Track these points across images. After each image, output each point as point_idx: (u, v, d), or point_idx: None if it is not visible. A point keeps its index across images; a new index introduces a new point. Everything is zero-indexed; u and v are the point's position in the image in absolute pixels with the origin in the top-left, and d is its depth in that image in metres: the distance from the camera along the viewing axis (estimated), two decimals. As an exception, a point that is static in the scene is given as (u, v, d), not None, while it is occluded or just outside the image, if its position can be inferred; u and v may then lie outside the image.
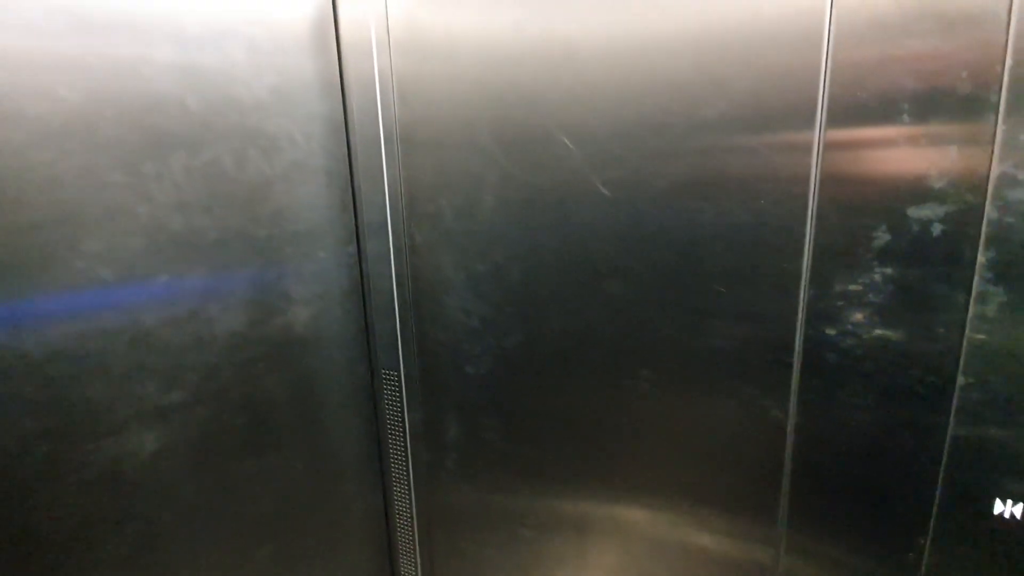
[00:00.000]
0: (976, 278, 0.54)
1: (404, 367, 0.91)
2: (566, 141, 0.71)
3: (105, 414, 0.62)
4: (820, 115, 0.57)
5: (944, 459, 0.59)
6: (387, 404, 0.94)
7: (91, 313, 0.60)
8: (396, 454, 0.95)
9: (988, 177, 0.52)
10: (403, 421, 0.93)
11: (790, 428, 0.66)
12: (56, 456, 0.58)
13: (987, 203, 0.52)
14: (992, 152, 0.52)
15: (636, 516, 0.80)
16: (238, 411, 0.75)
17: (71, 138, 0.58)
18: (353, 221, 0.87)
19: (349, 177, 0.87)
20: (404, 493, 0.97)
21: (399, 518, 0.98)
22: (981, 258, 0.54)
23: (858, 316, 0.60)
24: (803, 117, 0.58)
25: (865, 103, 0.55)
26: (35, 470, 0.57)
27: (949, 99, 0.52)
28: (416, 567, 1.00)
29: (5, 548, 0.56)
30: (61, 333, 0.58)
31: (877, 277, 0.58)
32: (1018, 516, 0.58)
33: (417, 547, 0.99)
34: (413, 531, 0.98)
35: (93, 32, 0.59)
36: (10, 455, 0.55)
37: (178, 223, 0.67)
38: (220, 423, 0.73)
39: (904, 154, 0.55)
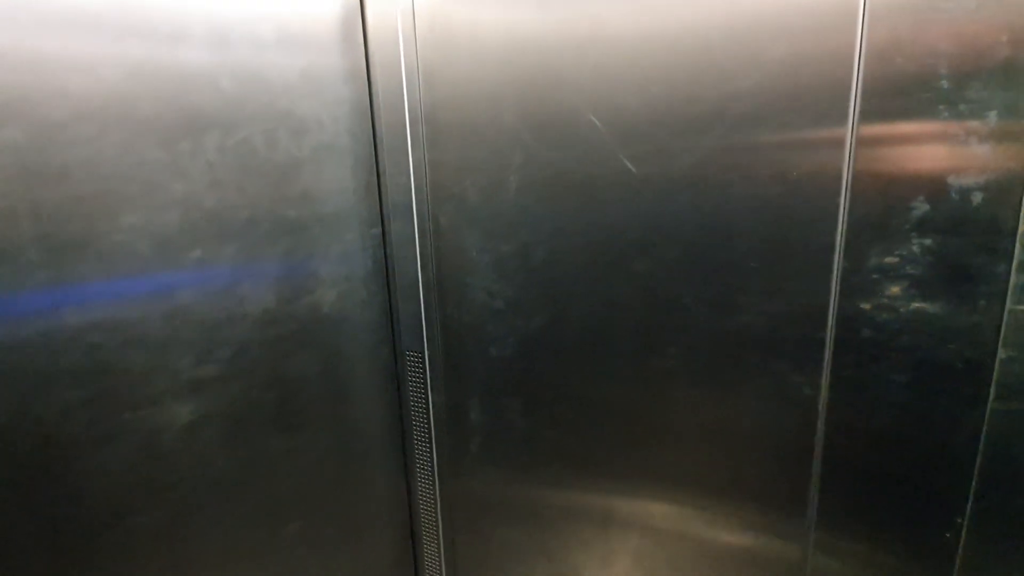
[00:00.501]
0: (1017, 247, 0.53)
1: (428, 349, 0.92)
2: (593, 119, 0.71)
3: (143, 385, 0.63)
4: (855, 84, 0.56)
5: (983, 435, 0.57)
6: (411, 385, 0.94)
7: (129, 286, 0.62)
8: (419, 435, 0.96)
9: (1031, 143, 0.51)
10: (426, 402, 0.94)
11: (822, 405, 0.65)
12: (96, 424, 0.60)
13: (1030, 170, 0.51)
14: (1035, 117, 0.50)
15: (661, 500, 0.80)
16: (267, 387, 0.76)
17: (111, 115, 0.59)
18: (378, 203, 0.88)
19: (374, 160, 0.87)
20: (427, 475, 0.97)
21: (422, 499, 0.99)
22: (1022, 227, 0.52)
23: (894, 289, 0.59)
24: (838, 86, 0.57)
25: (902, 70, 0.54)
26: (77, 437, 0.59)
27: (988, 64, 0.51)
28: (439, 549, 1.00)
29: (48, 512, 0.58)
30: (101, 304, 0.60)
31: (915, 248, 0.57)
32: (1061, 494, 0.56)
33: (440, 529, 0.99)
34: (436, 513, 0.98)
35: (133, 11, 0.60)
36: (54, 422, 0.57)
37: (211, 201, 0.68)
38: (251, 398, 0.74)
39: (942, 122, 0.54)
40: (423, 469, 0.98)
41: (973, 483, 0.59)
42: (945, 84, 0.53)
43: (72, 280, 0.57)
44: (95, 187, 0.58)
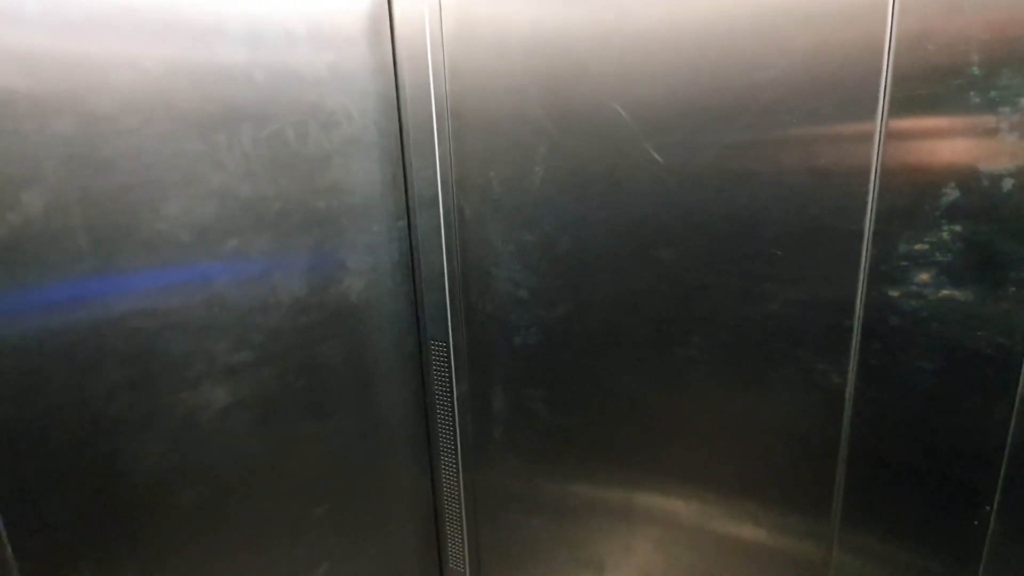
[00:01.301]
0: (1051, 233, 0.53)
1: (452, 338, 0.93)
2: (618, 108, 0.72)
3: (182, 368, 0.65)
4: (885, 70, 0.56)
5: (1012, 423, 0.57)
6: (435, 374, 0.96)
7: (169, 273, 0.64)
8: (444, 424, 0.98)
9: (1065, 128, 0.51)
10: (451, 391, 0.95)
11: (849, 393, 0.65)
12: (139, 405, 0.62)
13: (1064, 155, 0.51)
14: (1070, 102, 0.50)
15: (684, 490, 0.80)
16: (298, 374, 0.78)
17: (153, 107, 0.61)
18: (404, 195, 0.90)
19: (401, 153, 0.89)
20: (451, 462, 0.99)
21: (446, 486, 1.01)
22: (1056, 213, 0.52)
23: (923, 276, 0.59)
24: (867, 73, 0.57)
25: (933, 56, 0.54)
26: (121, 417, 0.61)
27: (1020, 51, 0.51)
28: (462, 535, 1.02)
29: (96, 487, 0.60)
30: (143, 290, 0.62)
31: (945, 235, 0.57)
32: (1093, 483, 0.56)
33: (463, 515, 1.01)
34: (459, 500, 1.00)
35: (173, 9, 0.62)
36: (101, 402, 0.59)
37: (247, 191, 0.70)
38: (283, 384, 0.76)
39: (973, 109, 0.54)
40: (447, 456, 0.99)
41: (1003, 470, 0.59)
42: (976, 71, 0.53)
43: (118, 266, 0.59)
44: (139, 177, 0.60)
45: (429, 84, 0.84)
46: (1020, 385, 0.57)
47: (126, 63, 0.59)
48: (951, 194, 0.56)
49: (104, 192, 0.58)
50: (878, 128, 0.58)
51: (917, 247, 0.58)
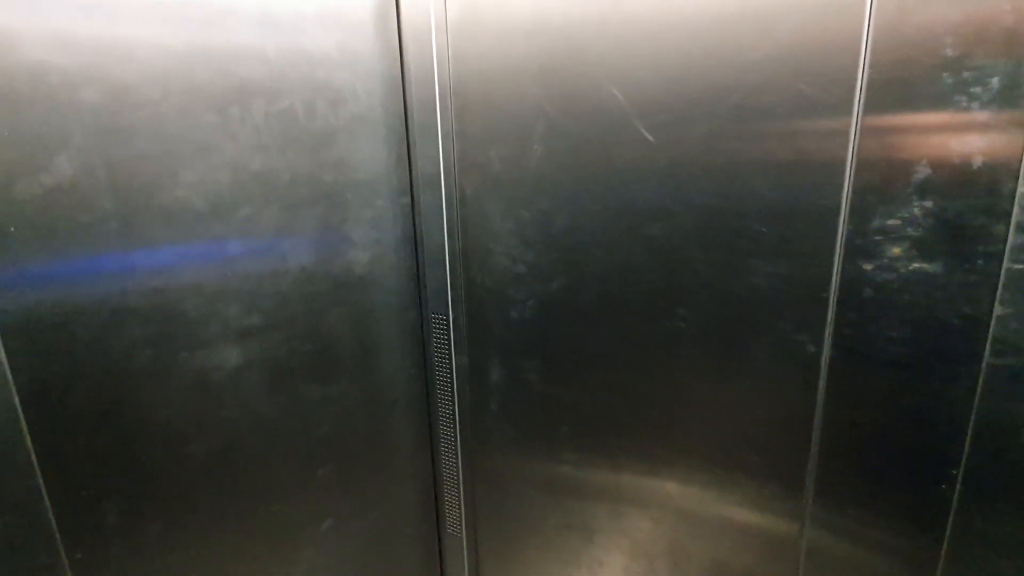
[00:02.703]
0: (1015, 208, 0.55)
1: (452, 312, 0.97)
2: (613, 90, 0.75)
3: (199, 328, 0.70)
4: (864, 52, 0.59)
5: (979, 389, 0.61)
6: (436, 347, 1.00)
7: (187, 236, 0.68)
8: (443, 394, 1.02)
9: (1031, 108, 0.53)
10: (450, 363, 1.00)
11: (824, 363, 0.68)
12: (158, 360, 0.67)
13: (1029, 133, 0.54)
14: (1036, 83, 0.53)
15: (671, 456, 0.84)
16: (305, 339, 0.82)
17: (172, 80, 0.65)
18: (408, 173, 0.94)
19: (405, 131, 0.93)
20: (450, 432, 1.03)
21: (444, 454, 1.05)
22: (1021, 188, 0.55)
23: (895, 250, 0.62)
24: (846, 54, 0.60)
25: (909, 38, 0.57)
26: (141, 371, 0.66)
27: (993, 30, 0.54)
28: (459, 503, 1.06)
29: (113, 435, 0.65)
30: (162, 252, 0.66)
31: (916, 211, 0.60)
32: (1054, 448, 0.59)
33: (461, 484, 1.05)
34: (457, 467, 1.04)
35: (191, -13, 0.66)
36: (123, 354, 0.64)
37: (258, 163, 0.74)
38: (290, 348, 0.81)
39: (946, 88, 0.57)
40: (446, 426, 1.04)
41: (968, 435, 0.62)
42: (950, 51, 0.56)
43: (139, 228, 0.64)
44: (159, 147, 0.65)
45: (433, 65, 0.87)
46: (985, 354, 0.60)
47: (146, 39, 0.63)
48: (923, 171, 0.59)
49: (126, 159, 0.62)
50: (856, 108, 0.61)
51: (890, 222, 0.61)
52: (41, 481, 0.59)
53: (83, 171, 0.59)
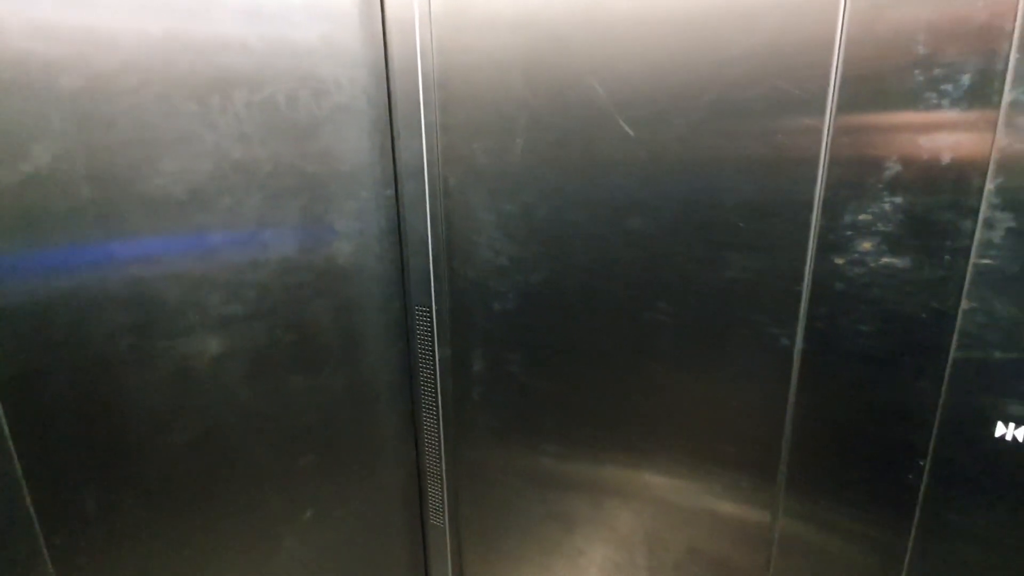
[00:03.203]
0: (983, 204, 0.56)
1: (436, 304, 0.98)
2: (595, 85, 0.75)
3: (178, 316, 0.70)
4: (838, 50, 0.60)
5: (945, 382, 0.62)
6: (419, 338, 1.01)
7: (167, 225, 0.68)
8: (426, 385, 1.03)
9: (999, 105, 0.54)
10: (433, 354, 1.00)
11: (796, 355, 0.69)
12: (138, 348, 0.67)
13: (997, 130, 0.55)
14: (1004, 80, 0.54)
15: (650, 446, 0.85)
16: (287, 329, 0.83)
17: (153, 68, 0.65)
18: (392, 165, 0.94)
19: (389, 123, 0.93)
20: (433, 422, 1.04)
21: (428, 445, 1.06)
22: (989, 185, 0.56)
23: (866, 245, 0.63)
24: (820, 51, 0.61)
25: (882, 36, 0.58)
26: (121, 358, 0.66)
27: (964, 28, 0.55)
28: (443, 494, 1.07)
29: (92, 423, 0.65)
30: (143, 241, 0.66)
31: (887, 206, 0.61)
32: (1019, 439, 0.60)
33: (444, 474, 1.06)
34: (439, 456, 1.05)
35: (171, -26, 0.66)
36: (102, 342, 0.64)
37: (239, 152, 0.74)
38: (272, 338, 0.81)
39: (917, 85, 0.57)
40: (429, 416, 1.04)
41: (935, 427, 0.63)
42: (922, 49, 0.57)
43: (118, 216, 0.64)
44: (138, 134, 0.65)
45: (417, 57, 0.87)
46: (952, 347, 0.61)
47: (128, 27, 0.63)
48: (894, 167, 0.60)
49: (106, 146, 0.62)
50: (829, 104, 0.61)
51: (861, 217, 0.62)
52: (19, 468, 0.60)
53: (62, 159, 0.59)
